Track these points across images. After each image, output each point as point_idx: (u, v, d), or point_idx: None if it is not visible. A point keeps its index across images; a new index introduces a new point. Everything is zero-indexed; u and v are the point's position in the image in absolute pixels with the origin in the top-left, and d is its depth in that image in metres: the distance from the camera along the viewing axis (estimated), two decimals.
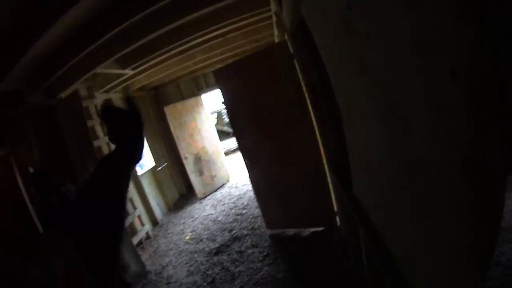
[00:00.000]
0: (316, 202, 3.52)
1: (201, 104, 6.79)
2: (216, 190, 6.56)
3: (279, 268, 3.23)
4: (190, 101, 6.56)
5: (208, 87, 7.03)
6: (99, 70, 3.66)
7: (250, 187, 6.03)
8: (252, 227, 4.28)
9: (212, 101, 13.04)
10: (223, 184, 6.79)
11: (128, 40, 3.31)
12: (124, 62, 4.10)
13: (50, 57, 2.99)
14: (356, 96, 1.19)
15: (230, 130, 12.75)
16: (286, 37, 3.25)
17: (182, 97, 6.95)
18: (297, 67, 3.11)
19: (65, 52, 2.96)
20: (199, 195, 6.29)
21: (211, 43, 4.58)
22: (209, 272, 3.57)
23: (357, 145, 1.49)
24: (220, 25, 3.70)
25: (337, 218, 3.43)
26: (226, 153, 8.86)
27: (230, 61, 6.69)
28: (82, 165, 3.87)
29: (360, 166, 1.53)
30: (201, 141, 6.55)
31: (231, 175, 7.15)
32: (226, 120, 13.03)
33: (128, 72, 4.30)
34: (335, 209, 3.43)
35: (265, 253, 3.59)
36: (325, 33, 1.36)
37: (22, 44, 2.18)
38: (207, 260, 3.84)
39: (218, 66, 6.78)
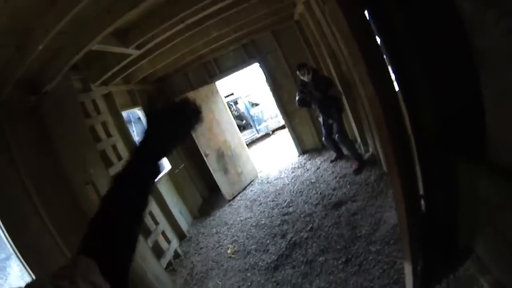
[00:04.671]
0: None
1: (216, 92, 5.84)
2: (244, 189, 5.66)
3: (372, 274, 2.38)
4: (203, 90, 5.62)
5: (222, 73, 6.07)
6: (95, 47, 2.75)
7: (286, 180, 5.17)
8: (311, 228, 3.38)
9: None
10: (252, 181, 5.89)
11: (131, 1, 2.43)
12: (125, 39, 3.20)
13: (25, 29, 2.11)
14: None
15: (241, 122, 11.82)
16: None
17: (192, 87, 6.00)
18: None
19: (48, 17, 2.08)
20: (227, 196, 5.40)
21: (228, 13, 3.73)
22: None
23: None
24: None
25: None
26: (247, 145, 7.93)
27: (244, 41, 5.80)
28: (84, 171, 3.01)
29: None
30: (222, 134, 5.62)
31: (258, 169, 6.24)
32: (236, 112, 12.07)
33: (132, 52, 3.38)
34: None
35: (343, 259, 2.73)
36: None
37: None
38: (267, 279, 2.94)
39: (231, 48, 5.92)
